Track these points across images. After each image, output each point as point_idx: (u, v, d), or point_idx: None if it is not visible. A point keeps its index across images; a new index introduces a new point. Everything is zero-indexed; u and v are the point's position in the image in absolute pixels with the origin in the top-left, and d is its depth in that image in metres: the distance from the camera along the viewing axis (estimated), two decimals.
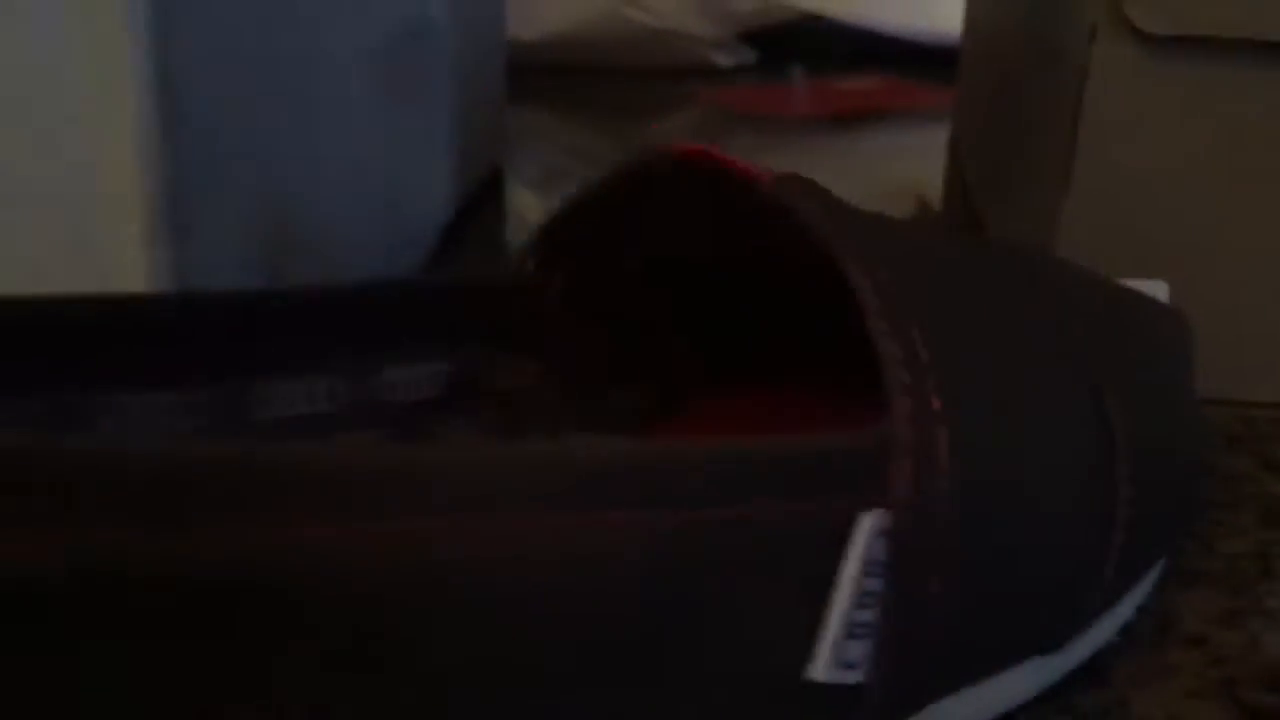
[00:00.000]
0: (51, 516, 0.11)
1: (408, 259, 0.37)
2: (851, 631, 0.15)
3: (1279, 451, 0.29)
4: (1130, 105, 0.29)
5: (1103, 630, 0.21)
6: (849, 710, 0.16)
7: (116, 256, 0.19)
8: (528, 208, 0.54)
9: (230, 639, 0.12)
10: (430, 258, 0.39)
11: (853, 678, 0.16)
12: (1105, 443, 0.19)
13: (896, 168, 0.62)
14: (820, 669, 0.15)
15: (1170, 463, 0.21)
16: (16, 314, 0.15)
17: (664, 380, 0.24)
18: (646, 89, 0.72)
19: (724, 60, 0.76)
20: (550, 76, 0.71)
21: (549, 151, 0.62)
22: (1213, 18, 0.28)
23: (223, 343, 0.17)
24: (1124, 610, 0.21)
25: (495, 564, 0.13)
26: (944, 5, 0.68)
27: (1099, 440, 0.19)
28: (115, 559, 0.11)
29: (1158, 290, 0.30)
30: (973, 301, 0.19)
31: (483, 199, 0.49)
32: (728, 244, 0.22)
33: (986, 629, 0.18)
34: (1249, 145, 0.29)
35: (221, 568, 0.12)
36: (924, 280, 0.18)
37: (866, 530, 0.15)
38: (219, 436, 0.17)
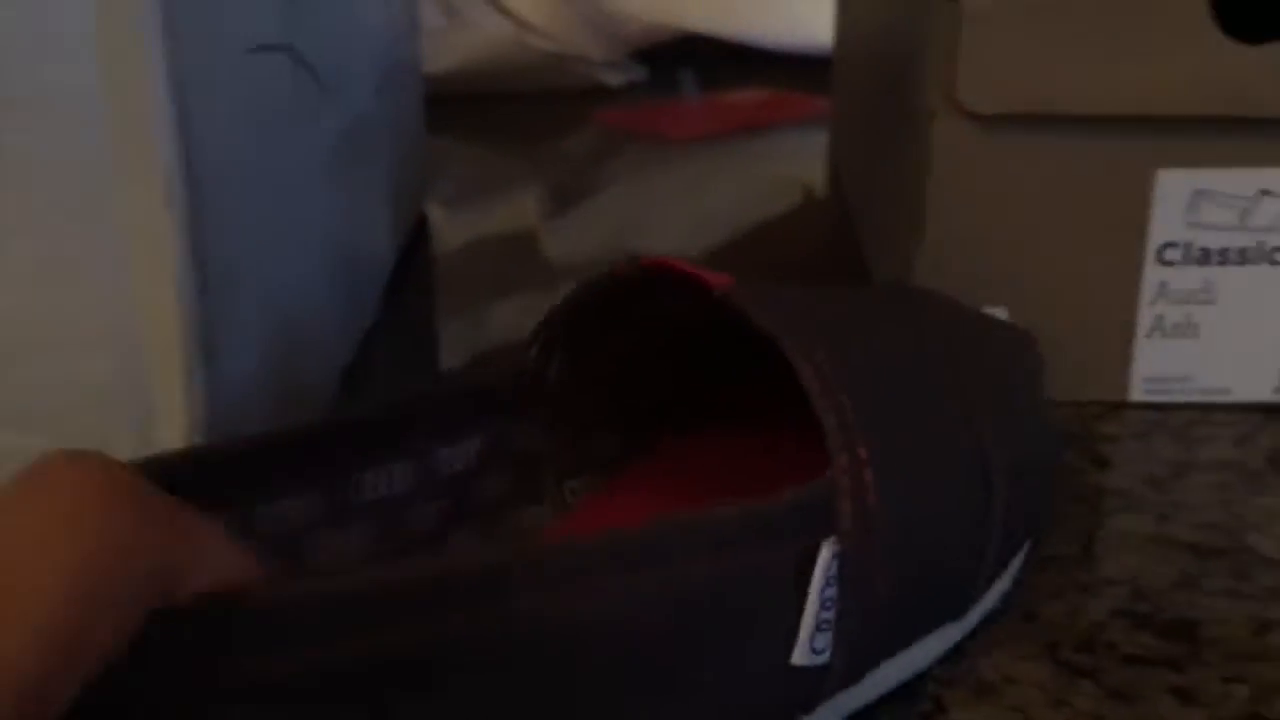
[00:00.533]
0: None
1: (362, 314, 0.41)
2: (819, 627, 0.22)
3: (1103, 446, 0.36)
4: (967, 171, 0.35)
5: (988, 601, 0.27)
6: (819, 683, 0.22)
7: (159, 387, 0.24)
8: (444, 224, 0.59)
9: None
10: (379, 306, 0.44)
11: (821, 660, 0.22)
12: (983, 460, 0.25)
13: (783, 167, 0.68)
14: (799, 656, 0.22)
15: (1032, 467, 0.27)
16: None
17: (639, 427, 0.30)
18: (547, 111, 0.77)
19: (616, 79, 0.81)
20: (457, 105, 0.76)
21: (461, 174, 0.67)
22: (1031, 98, 0.34)
23: (330, 452, 0.23)
24: (1003, 584, 0.27)
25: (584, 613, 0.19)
26: (820, 20, 0.74)
27: (979, 459, 0.25)
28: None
29: (999, 316, 0.36)
30: (884, 359, 0.25)
31: (414, 241, 0.53)
32: (697, 317, 0.27)
33: (913, 610, 0.24)
34: (1065, 198, 0.35)
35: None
36: (849, 351, 0.24)
37: (825, 556, 0.21)
38: (338, 516, 0.23)
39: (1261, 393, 0.37)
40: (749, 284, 0.24)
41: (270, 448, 0.22)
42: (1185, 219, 0.35)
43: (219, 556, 0.16)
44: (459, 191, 0.64)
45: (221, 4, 0.26)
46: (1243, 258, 0.35)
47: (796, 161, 0.69)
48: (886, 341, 0.26)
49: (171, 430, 0.24)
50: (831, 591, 0.22)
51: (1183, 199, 0.35)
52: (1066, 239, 0.36)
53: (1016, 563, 0.28)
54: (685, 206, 0.61)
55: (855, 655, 0.23)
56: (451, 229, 0.58)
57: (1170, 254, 0.36)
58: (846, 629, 0.22)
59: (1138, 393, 0.37)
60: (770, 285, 0.25)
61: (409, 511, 0.25)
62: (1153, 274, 0.36)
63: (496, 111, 0.77)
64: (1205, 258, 0.35)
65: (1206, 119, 0.34)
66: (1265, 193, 0.35)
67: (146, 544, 0.14)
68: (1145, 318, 0.36)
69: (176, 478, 0.20)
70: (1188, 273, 0.36)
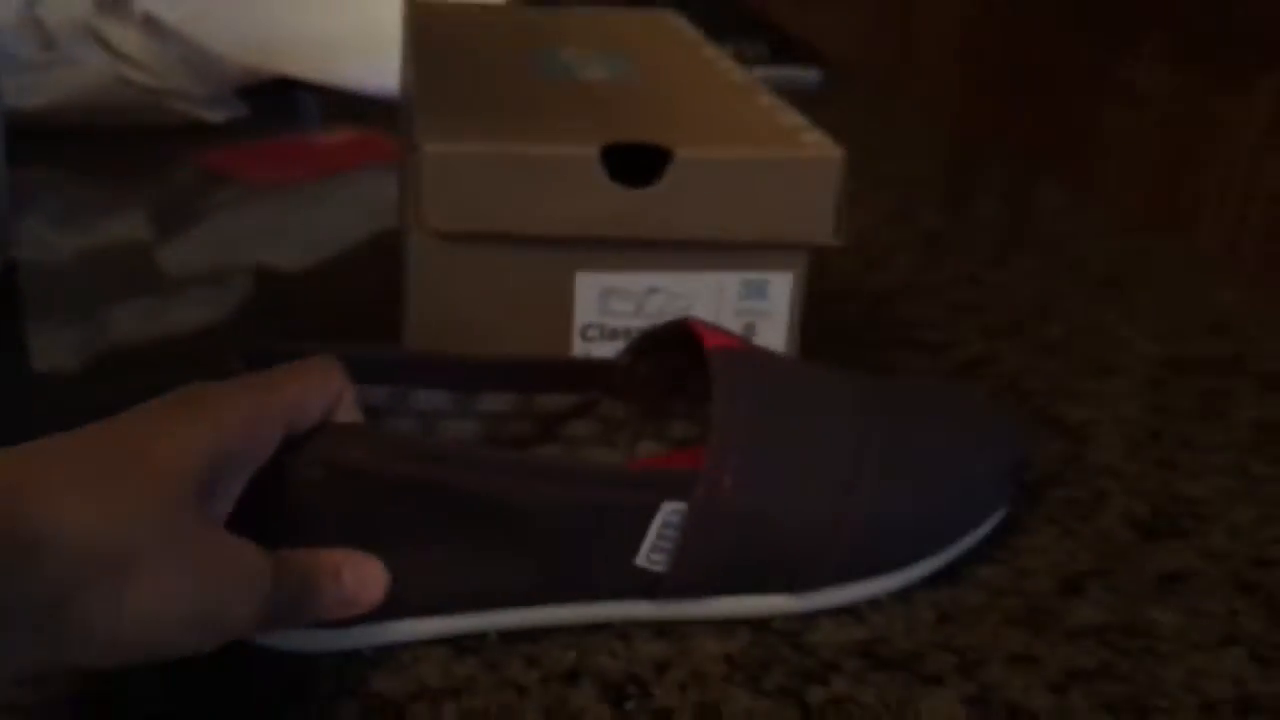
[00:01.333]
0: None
1: None
2: (654, 549, 0.37)
3: None
4: (437, 272, 0.46)
5: (839, 598, 0.40)
6: (656, 583, 0.38)
7: None
8: (48, 245, 0.65)
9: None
10: None
11: (656, 569, 0.37)
12: (847, 493, 0.39)
13: (385, 204, 0.77)
14: (640, 559, 0.37)
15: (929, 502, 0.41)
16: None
17: (701, 422, 0.44)
18: (153, 144, 0.83)
19: (216, 116, 0.87)
20: (59, 138, 0.81)
21: (62, 203, 0.73)
22: (477, 221, 0.45)
23: (466, 377, 0.42)
24: (858, 592, 0.40)
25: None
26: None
27: (844, 489, 0.39)
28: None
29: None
30: (778, 414, 0.39)
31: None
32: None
33: (739, 571, 0.38)
34: (513, 292, 0.47)
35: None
36: (763, 399, 0.39)
37: (665, 509, 0.37)
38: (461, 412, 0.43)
39: None
40: (742, 347, 0.40)
41: (434, 362, 0.41)
42: (599, 308, 0.48)
43: (334, 410, 0.36)
44: (65, 217, 0.70)
45: None
46: None
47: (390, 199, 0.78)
48: (802, 395, 0.40)
49: None
50: (669, 532, 0.37)
51: (595, 294, 0.47)
52: (517, 321, 0.47)
53: (889, 583, 0.41)
54: (292, 231, 0.70)
55: (682, 578, 0.38)
56: (58, 250, 0.64)
57: (590, 333, 0.48)
58: (678, 558, 0.37)
59: None
60: (754, 348, 0.41)
61: (508, 425, 0.43)
62: (580, 348, 0.48)
63: (101, 145, 0.82)
64: (614, 335, 0.48)
65: (606, 239, 0.46)
66: (653, 290, 0.48)
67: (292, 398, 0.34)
68: None
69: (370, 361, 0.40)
70: (603, 346, 0.48)
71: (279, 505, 0.34)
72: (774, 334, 0.49)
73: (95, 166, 0.79)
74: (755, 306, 0.49)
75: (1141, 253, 0.75)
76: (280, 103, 0.92)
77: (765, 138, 0.48)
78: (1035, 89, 1.03)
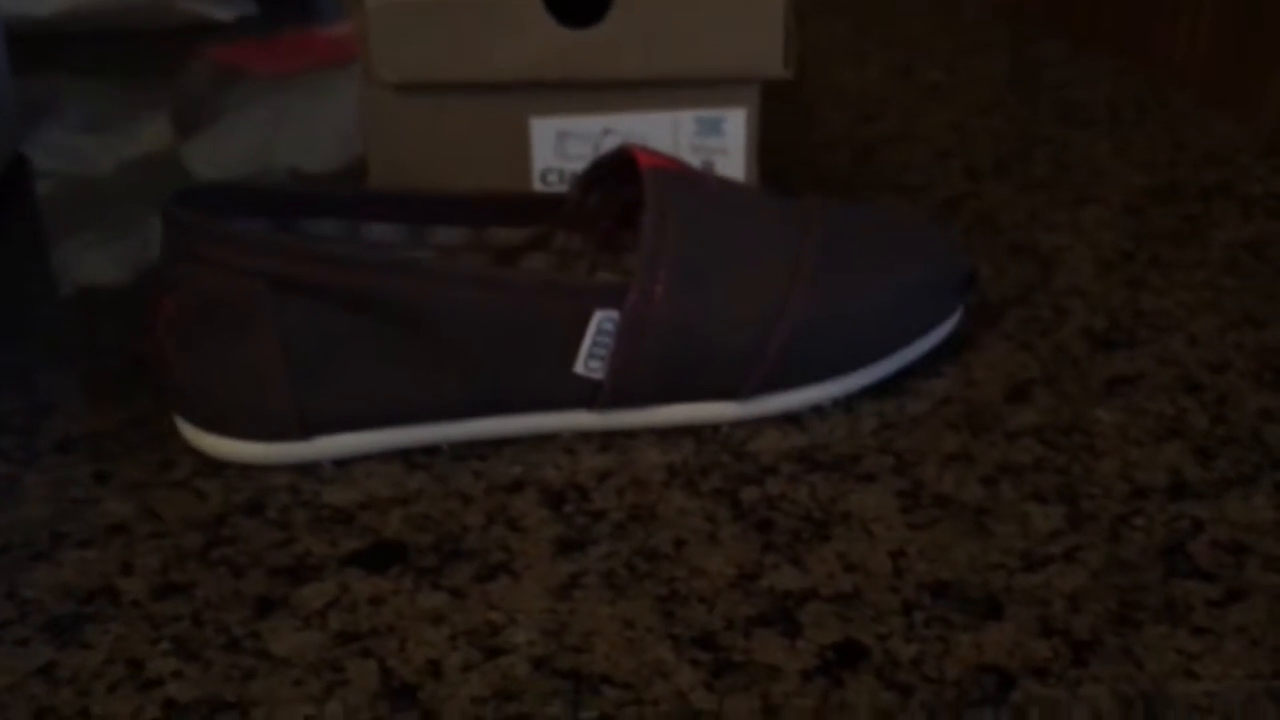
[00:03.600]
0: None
1: None
2: (591, 355, 0.38)
3: None
4: (392, 124, 0.48)
5: (779, 404, 0.41)
6: (595, 391, 0.39)
7: None
8: (82, 155, 0.68)
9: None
10: None
11: (595, 376, 0.39)
12: (781, 307, 0.40)
13: None
14: (578, 367, 0.39)
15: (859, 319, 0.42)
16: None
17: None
18: (166, 46, 0.85)
19: (227, 15, 0.89)
20: (71, 43, 0.83)
21: (88, 110, 0.75)
22: (424, 71, 0.46)
23: (418, 211, 0.44)
24: (798, 398, 0.42)
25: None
26: None
27: (777, 304, 0.40)
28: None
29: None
30: (718, 219, 0.41)
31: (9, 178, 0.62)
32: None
33: (678, 377, 0.40)
34: (473, 140, 0.48)
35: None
36: (690, 208, 0.40)
37: (598, 316, 0.38)
38: (415, 243, 0.44)
39: None
40: (675, 166, 0.42)
41: (385, 197, 0.43)
42: (555, 152, 0.49)
43: None
44: (93, 125, 0.72)
45: None
46: None
47: None
48: (734, 210, 0.41)
49: None
50: (604, 339, 0.38)
51: (551, 138, 0.49)
52: (477, 170, 0.49)
53: (823, 392, 0.42)
54: (308, 128, 0.72)
55: (620, 385, 0.39)
56: (94, 161, 0.67)
57: (550, 177, 0.49)
58: (614, 364, 0.39)
59: None
60: (683, 168, 0.42)
61: (459, 255, 0.45)
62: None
63: (113, 48, 0.84)
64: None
65: (557, 83, 0.47)
66: (608, 131, 0.49)
67: None
68: None
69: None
70: (563, 190, 0.49)
71: (222, 320, 0.37)
72: (732, 170, 0.50)
73: (112, 70, 0.81)
74: (711, 144, 0.50)
75: (1138, 94, 0.74)
76: (287, 1, 0.94)
77: None
78: None
